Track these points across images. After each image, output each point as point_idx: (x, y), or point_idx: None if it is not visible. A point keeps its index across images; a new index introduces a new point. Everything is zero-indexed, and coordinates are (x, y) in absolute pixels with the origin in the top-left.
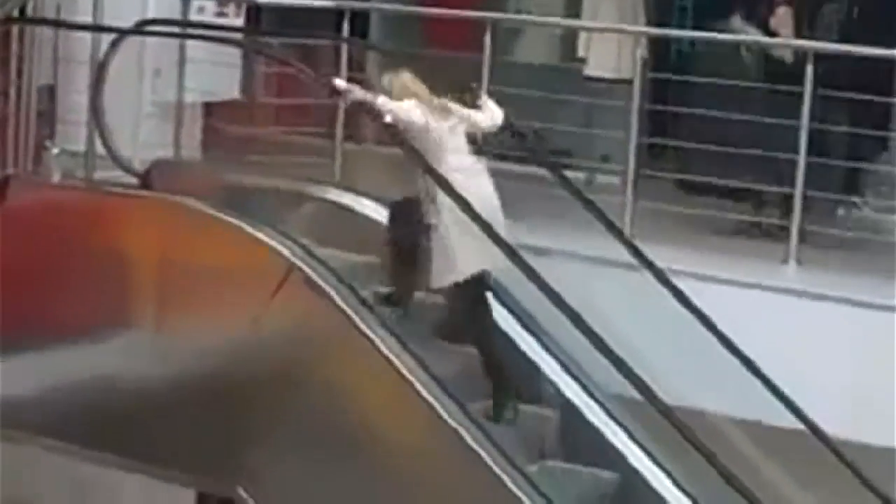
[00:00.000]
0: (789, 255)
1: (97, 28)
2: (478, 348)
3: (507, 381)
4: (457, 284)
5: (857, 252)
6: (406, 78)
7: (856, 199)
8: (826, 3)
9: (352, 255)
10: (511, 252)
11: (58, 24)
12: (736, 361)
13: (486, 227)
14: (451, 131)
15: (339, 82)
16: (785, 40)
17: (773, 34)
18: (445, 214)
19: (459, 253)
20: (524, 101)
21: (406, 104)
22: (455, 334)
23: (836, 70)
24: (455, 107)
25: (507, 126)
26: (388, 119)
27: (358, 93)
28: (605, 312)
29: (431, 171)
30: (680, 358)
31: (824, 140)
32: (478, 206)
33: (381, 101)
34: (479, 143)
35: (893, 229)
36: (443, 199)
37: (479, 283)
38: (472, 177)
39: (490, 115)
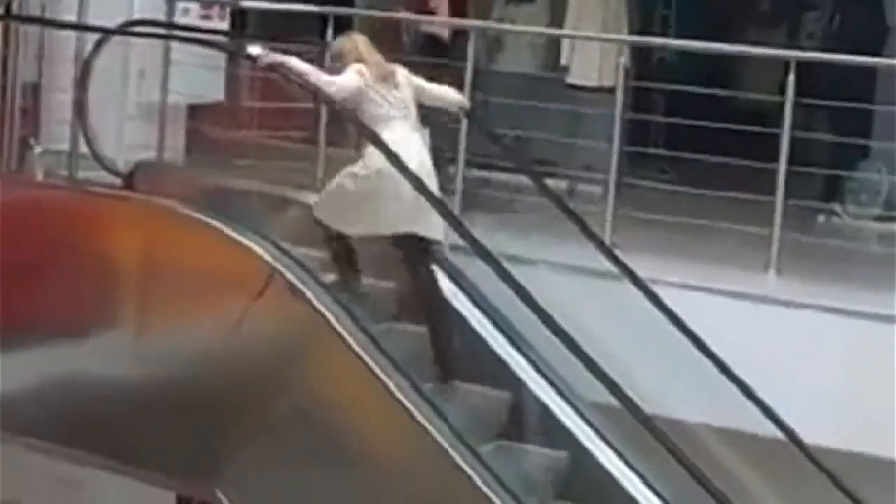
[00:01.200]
0: (769, 264)
1: (82, 27)
2: (426, 320)
3: (451, 358)
4: (391, 241)
5: (837, 261)
6: (358, 40)
7: (835, 206)
8: (807, 11)
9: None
10: (441, 206)
11: (43, 21)
12: (715, 370)
13: (419, 184)
14: (395, 98)
15: (253, 48)
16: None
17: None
18: (371, 163)
19: (384, 208)
20: (507, 110)
21: (347, 74)
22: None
23: (816, 78)
24: (403, 72)
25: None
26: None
27: (275, 56)
28: (585, 322)
29: (362, 126)
30: (660, 366)
31: (805, 148)
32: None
33: (294, 62)
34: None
35: (872, 238)
36: (371, 151)
37: (415, 248)
38: (409, 144)
39: (443, 89)
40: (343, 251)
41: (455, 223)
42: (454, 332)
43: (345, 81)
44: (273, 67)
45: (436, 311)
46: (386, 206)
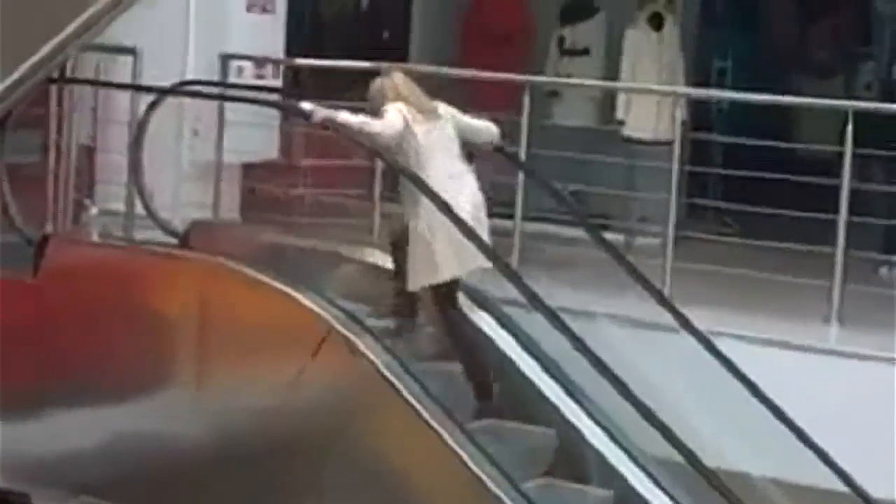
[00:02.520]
0: (831, 316)
1: (137, 87)
2: (460, 357)
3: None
4: (432, 287)
5: None
6: (398, 79)
7: None
8: (864, 61)
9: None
10: (493, 255)
11: (97, 83)
12: (777, 422)
13: (469, 232)
14: (439, 134)
15: (305, 104)
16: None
17: None
18: (425, 216)
19: (440, 255)
20: (563, 163)
21: (388, 114)
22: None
23: (875, 128)
24: (445, 107)
25: (500, 149)
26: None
27: (325, 112)
28: (645, 374)
29: (412, 177)
30: (720, 419)
31: (865, 199)
32: (462, 211)
33: (342, 116)
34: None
35: None
36: (424, 201)
37: (452, 286)
38: (457, 180)
39: (484, 124)
40: (408, 302)
41: (513, 277)
42: (488, 360)
43: (389, 122)
44: (324, 123)
45: (469, 345)
46: (459, 246)
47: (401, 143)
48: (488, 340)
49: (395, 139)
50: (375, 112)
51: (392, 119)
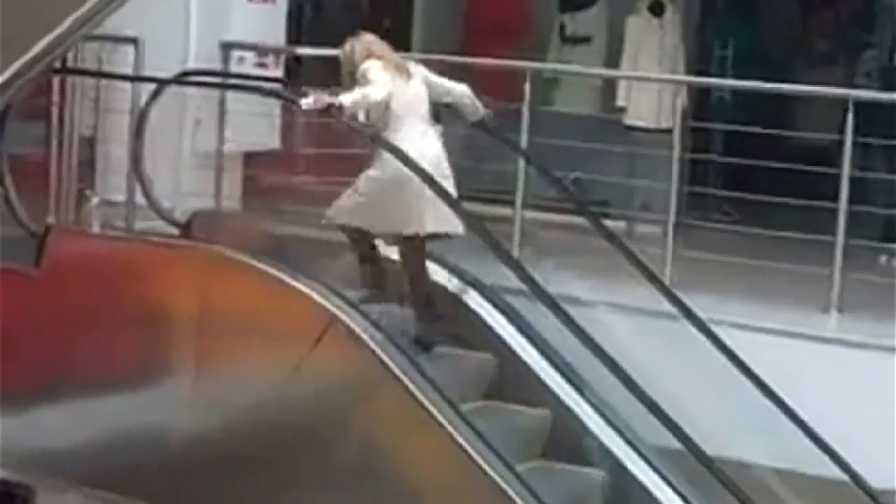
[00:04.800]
0: (830, 304)
1: (138, 78)
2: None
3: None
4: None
5: None
6: (368, 38)
7: None
8: (865, 50)
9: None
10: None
11: (99, 74)
12: (777, 410)
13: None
14: (412, 93)
15: (305, 99)
16: (819, 89)
17: None
18: (387, 168)
19: (406, 206)
20: (564, 151)
21: (373, 74)
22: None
23: (875, 117)
24: (416, 67)
25: (480, 123)
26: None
27: (326, 98)
28: (645, 362)
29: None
30: (720, 406)
31: (864, 187)
32: (430, 170)
33: (343, 99)
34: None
35: None
36: (387, 156)
37: (413, 246)
38: (424, 139)
39: (455, 84)
40: (368, 255)
41: (514, 266)
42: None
43: (382, 83)
44: (328, 109)
45: (421, 282)
46: (409, 205)
47: (376, 110)
48: (484, 326)
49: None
50: (352, 76)
51: (381, 79)
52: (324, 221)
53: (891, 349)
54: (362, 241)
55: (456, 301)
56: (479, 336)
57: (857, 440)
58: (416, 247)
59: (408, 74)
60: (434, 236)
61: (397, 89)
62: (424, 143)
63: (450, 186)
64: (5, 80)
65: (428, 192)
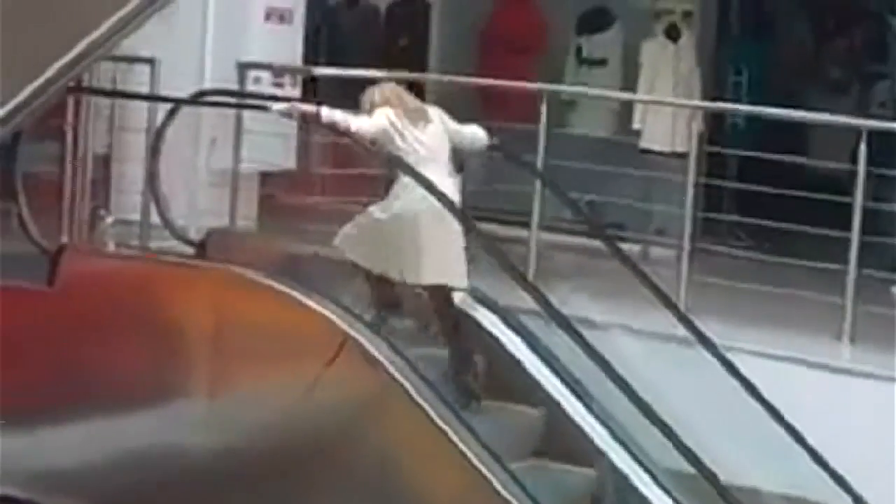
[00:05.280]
0: (843, 333)
1: (154, 98)
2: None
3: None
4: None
5: None
6: (386, 87)
7: None
8: (879, 80)
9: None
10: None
11: (114, 94)
12: (789, 438)
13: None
14: (429, 139)
15: (278, 105)
16: (833, 117)
17: None
18: (391, 206)
19: (404, 253)
20: (579, 173)
21: (374, 117)
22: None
23: (889, 147)
24: (435, 112)
25: (493, 146)
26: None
27: (303, 108)
28: (658, 386)
29: (398, 162)
30: (732, 433)
31: (879, 217)
32: (429, 218)
33: (324, 110)
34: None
35: None
36: (392, 193)
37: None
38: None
39: (470, 129)
40: (377, 285)
41: (528, 287)
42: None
43: (370, 122)
44: (306, 119)
45: (456, 340)
46: (407, 252)
47: (384, 146)
48: (491, 340)
49: (378, 137)
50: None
51: (373, 120)
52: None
53: None
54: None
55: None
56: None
57: (866, 469)
58: (441, 299)
59: (426, 121)
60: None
61: (408, 133)
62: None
63: (458, 238)
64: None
65: (431, 243)
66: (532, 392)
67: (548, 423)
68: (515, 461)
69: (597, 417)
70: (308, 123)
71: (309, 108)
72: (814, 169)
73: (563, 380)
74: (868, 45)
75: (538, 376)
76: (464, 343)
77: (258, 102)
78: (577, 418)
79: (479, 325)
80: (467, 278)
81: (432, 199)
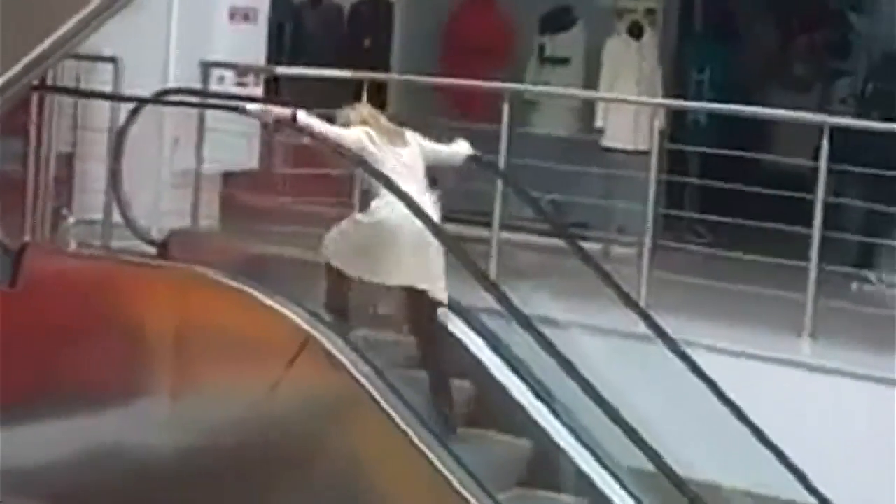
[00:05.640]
0: (803, 329)
1: (117, 97)
2: (427, 370)
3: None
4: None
5: (870, 327)
6: (364, 110)
7: (869, 273)
8: (841, 77)
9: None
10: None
11: (77, 92)
12: (749, 434)
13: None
14: (407, 157)
15: (252, 106)
16: (794, 114)
17: None
18: (375, 214)
19: (383, 256)
20: (542, 172)
21: (353, 130)
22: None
23: (850, 144)
24: (412, 135)
25: (474, 158)
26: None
27: (279, 111)
28: (618, 384)
29: (375, 173)
30: (693, 430)
31: (839, 214)
32: (411, 230)
33: (300, 114)
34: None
35: None
36: (376, 203)
37: (418, 302)
38: (419, 198)
39: (450, 148)
40: (336, 288)
41: (488, 284)
42: (450, 383)
43: (348, 133)
44: (280, 122)
45: (434, 363)
46: (387, 257)
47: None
48: (464, 351)
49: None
50: None
51: (351, 132)
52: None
53: (863, 377)
54: (339, 286)
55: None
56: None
57: (827, 465)
58: (421, 312)
59: (403, 142)
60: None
61: (388, 154)
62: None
63: (439, 255)
64: None
65: (415, 250)
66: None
67: (534, 453)
68: (501, 491)
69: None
70: (282, 126)
71: (284, 111)
72: (775, 166)
73: (549, 407)
74: (830, 42)
75: (526, 405)
76: (441, 364)
77: (232, 103)
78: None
79: (465, 349)
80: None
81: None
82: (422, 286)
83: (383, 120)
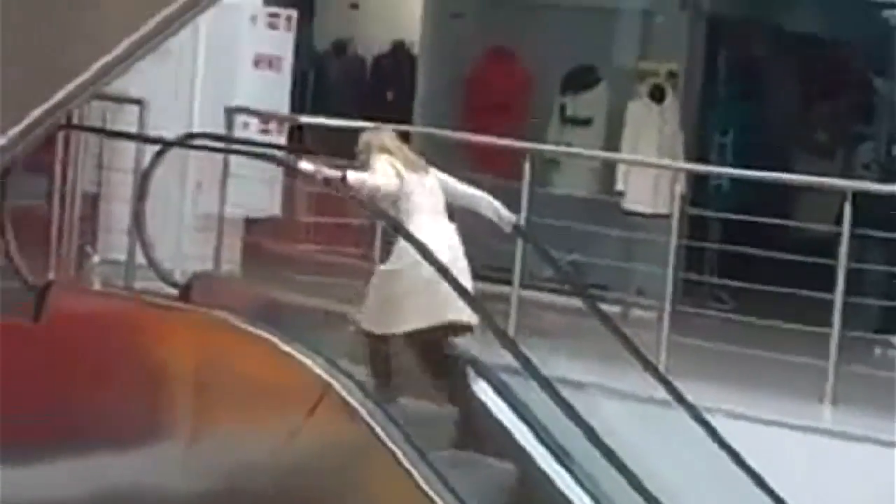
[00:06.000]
0: (825, 395)
1: (142, 138)
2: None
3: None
4: (406, 335)
5: (893, 392)
6: (385, 135)
7: (892, 338)
8: (863, 142)
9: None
10: (477, 306)
11: (103, 132)
12: (769, 501)
13: (449, 277)
14: (429, 186)
15: (305, 165)
16: (817, 179)
17: None
18: (404, 256)
19: (407, 302)
20: (562, 232)
21: (378, 166)
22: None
23: (873, 209)
24: (433, 169)
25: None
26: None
27: (328, 172)
28: (638, 449)
29: (390, 222)
30: (713, 496)
31: (861, 279)
32: (440, 254)
33: (349, 174)
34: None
35: None
36: (400, 247)
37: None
38: (439, 229)
39: (475, 192)
40: (380, 353)
41: (508, 343)
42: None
43: (386, 176)
44: (328, 182)
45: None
46: (429, 295)
47: (398, 197)
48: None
49: (394, 190)
50: (364, 164)
51: (386, 172)
52: (352, 326)
53: (886, 443)
54: (377, 350)
55: None
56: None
57: None
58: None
59: (424, 171)
60: (453, 327)
61: (413, 183)
62: (441, 235)
63: (467, 279)
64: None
65: (429, 284)
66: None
67: (521, 480)
68: None
69: (573, 476)
70: (330, 186)
71: (334, 173)
72: (797, 231)
73: (536, 434)
74: (853, 107)
75: (512, 430)
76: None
77: (282, 157)
78: (552, 474)
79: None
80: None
81: (443, 244)
82: (466, 319)
83: (405, 148)
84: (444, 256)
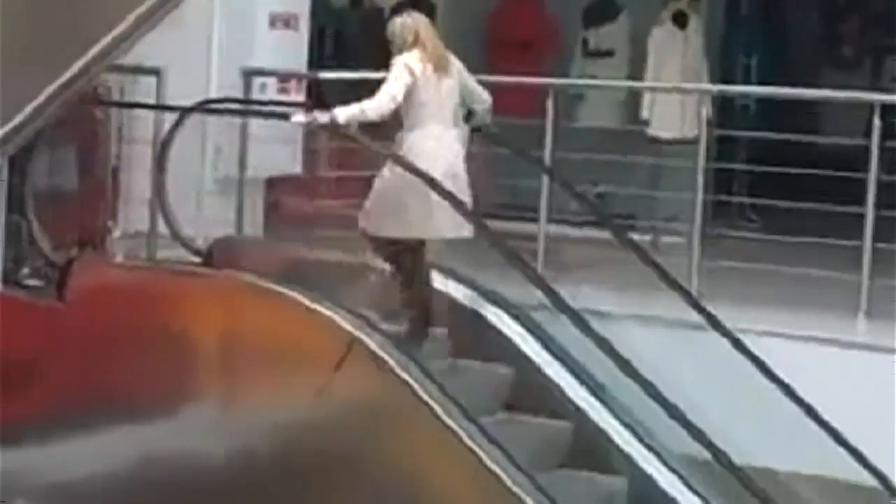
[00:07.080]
0: (859, 309)
1: (160, 107)
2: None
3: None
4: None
5: None
6: (421, 25)
7: None
8: (890, 55)
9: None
10: (478, 222)
11: (120, 104)
12: (806, 417)
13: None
14: (446, 90)
15: (297, 117)
16: (849, 94)
17: None
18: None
19: (412, 211)
20: (589, 165)
21: (394, 72)
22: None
23: None
24: (456, 63)
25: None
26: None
27: (323, 118)
28: (673, 373)
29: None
30: (750, 416)
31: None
32: (434, 172)
33: (338, 114)
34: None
35: None
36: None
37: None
38: (440, 143)
39: (481, 90)
40: (421, 310)
41: (536, 279)
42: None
43: (394, 89)
44: (325, 128)
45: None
46: (425, 206)
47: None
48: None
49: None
50: (399, 51)
51: (393, 90)
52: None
53: None
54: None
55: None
56: (498, 349)
57: (885, 444)
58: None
59: (446, 70)
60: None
61: (429, 91)
62: (439, 147)
63: (464, 192)
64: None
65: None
66: (559, 403)
67: (575, 434)
68: (542, 471)
69: (624, 424)
70: (327, 131)
71: (325, 116)
72: (826, 147)
73: (588, 388)
74: (878, 20)
75: (565, 387)
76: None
77: (277, 110)
78: (605, 426)
79: (500, 334)
80: None
81: (440, 155)
82: (466, 234)
83: (439, 44)
84: (439, 170)
